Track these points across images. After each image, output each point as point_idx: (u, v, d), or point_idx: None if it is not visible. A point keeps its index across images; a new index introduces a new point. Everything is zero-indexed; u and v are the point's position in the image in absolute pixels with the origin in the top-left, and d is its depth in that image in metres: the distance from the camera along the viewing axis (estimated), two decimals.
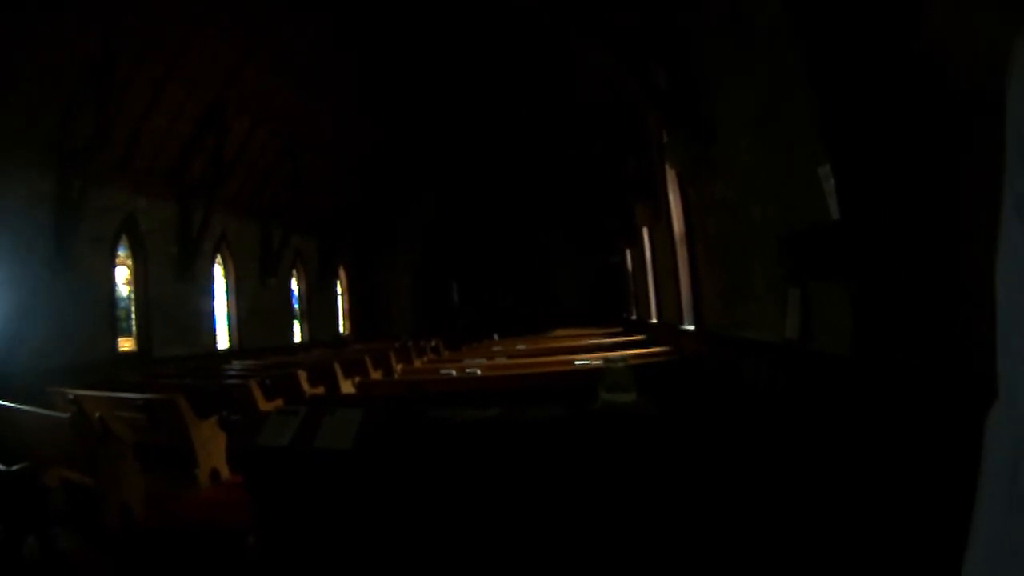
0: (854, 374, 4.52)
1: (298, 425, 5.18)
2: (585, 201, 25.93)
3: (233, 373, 14.73)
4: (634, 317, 21.65)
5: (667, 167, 12.61)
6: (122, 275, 16.12)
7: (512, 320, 25.23)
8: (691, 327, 11.74)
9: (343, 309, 28.24)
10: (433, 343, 20.97)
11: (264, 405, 10.90)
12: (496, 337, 19.22)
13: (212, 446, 9.62)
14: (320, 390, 12.99)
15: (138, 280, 16.45)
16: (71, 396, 10.68)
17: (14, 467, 6.86)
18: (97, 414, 8.58)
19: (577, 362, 10.62)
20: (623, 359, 5.18)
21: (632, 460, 4.37)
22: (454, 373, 10.32)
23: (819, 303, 5.31)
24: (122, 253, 16.08)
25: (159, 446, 9.49)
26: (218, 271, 19.89)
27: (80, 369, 13.39)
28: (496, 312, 27.65)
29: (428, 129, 25.37)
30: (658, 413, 4.72)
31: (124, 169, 15.44)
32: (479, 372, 10.26)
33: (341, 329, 27.86)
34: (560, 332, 19.76)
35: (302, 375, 12.44)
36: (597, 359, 10.32)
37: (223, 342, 19.82)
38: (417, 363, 17.26)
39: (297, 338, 24.18)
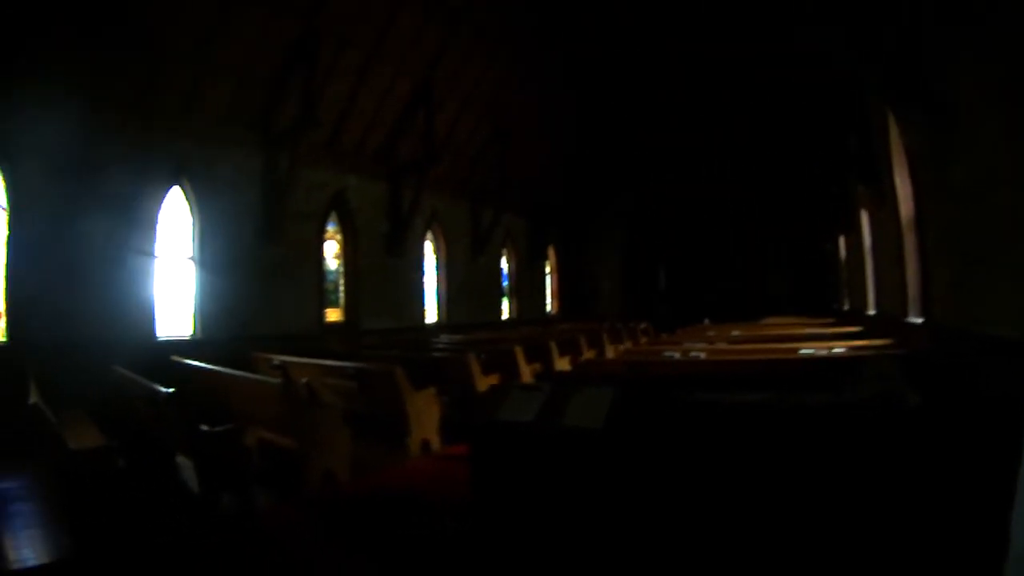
0: None
1: (543, 401, 4.90)
2: (796, 186, 24.21)
3: (441, 347, 14.55)
4: (846, 307, 20.28)
5: (893, 147, 11.61)
6: (331, 249, 16.34)
7: (718, 307, 23.93)
8: (917, 320, 10.70)
9: (551, 288, 27.79)
10: (643, 326, 20.24)
11: (481, 380, 10.81)
12: (707, 322, 18.34)
13: (425, 417, 9.53)
14: (537, 367, 12.65)
15: (347, 254, 16.62)
16: (277, 362, 10.75)
17: (219, 428, 7.01)
18: (304, 380, 8.50)
19: (801, 351, 9.80)
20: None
21: (900, 454, 3.79)
22: (677, 356, 9.72)
23: None
24: (331, 228, 16.26)
25: (368, 415, 9.38)
26: (428, 248, 19.83)
27: (286, 338, 13.54)
28: (702, 298, 26.29)
29: (635, 113, 24.49)
30: (921, 405, 4.07)
31: (332, 148, 15.53)
32: (703, 356, 9.61)
33: (548, 308, 27.46)
34: (770, 320, 18.59)
35: (519, 351, 12.17)
36: (821, 348, 9.62)
37: (431, 317, 19.78)
38: (629, 344, 16.80)
39: (504, 315, 23.95)
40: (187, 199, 12.72)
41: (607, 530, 4.25)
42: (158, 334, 12.06)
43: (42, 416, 6.02)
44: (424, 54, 16.52)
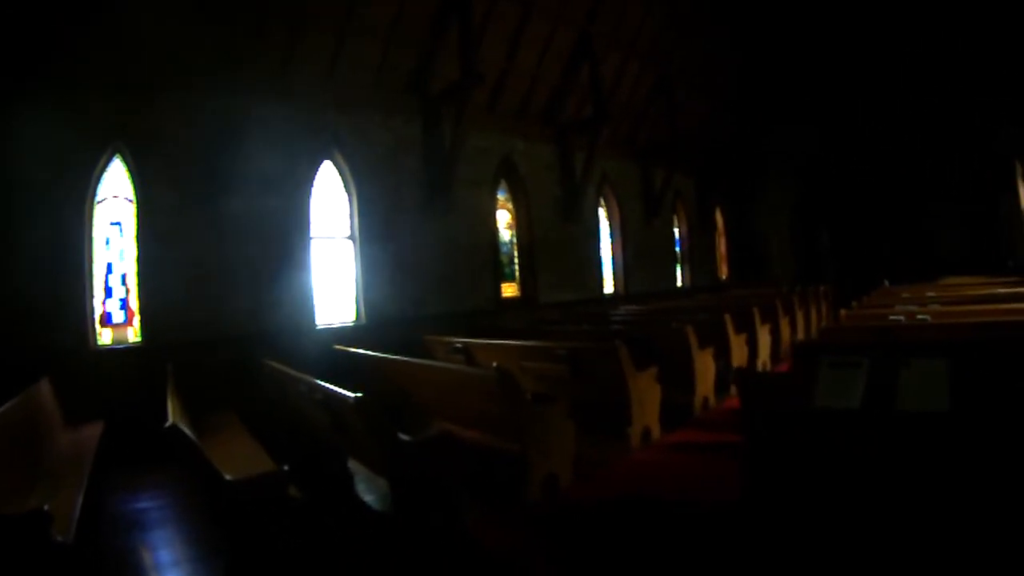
0: None
1: (866, 381, 4.03)
2: (965, 139, 21.89)
3: (620, 319, 12.69)
4: None
5: None
6: (503, 219, 14.60)
7: (888, 268, 21.48)
8: None
9: (721, 252, 25.20)
10: (823, 289, 18.22)
11: (699, 356, 9.28)
12: (887, 283, 16.08)
13: (648, 401, 8.02)
14: (743, 338, 11.06)
15: (520, 224, 14.78)
16: (458, 344, 9.32)
17: (423, 435, 5.69)
18: (493, 364, 6.99)
19: None
20: None
21: None
22: (903, 319, 8.08)
23: None
24: (501, 196, 14.49)
25: (581, 403, 7.58)
26: (601, 213, 17.83)
27: (459, 317, 12.03)
28: (871, 259, 23.52)
29: (802, 61, 21.90)
30: None
31: (494, 110, 13.74)
32: (929, 319, 7.89)
33: (721, 273, 25.01)
34: (950, 280, 16.12)
35: (728, 320, 10.52)
36: None
37: (608, 287, 17.86)
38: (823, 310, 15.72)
39: (678, 283, 21.65)
40: (341, 173, 11.18)
41: (967, 531, 3.30)
42: (317, 322, 10.58)
43: (182, 439, 4.50)
44: (581, 5, 14.44)
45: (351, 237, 11.22)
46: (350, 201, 11.27)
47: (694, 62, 19.29)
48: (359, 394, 5.31)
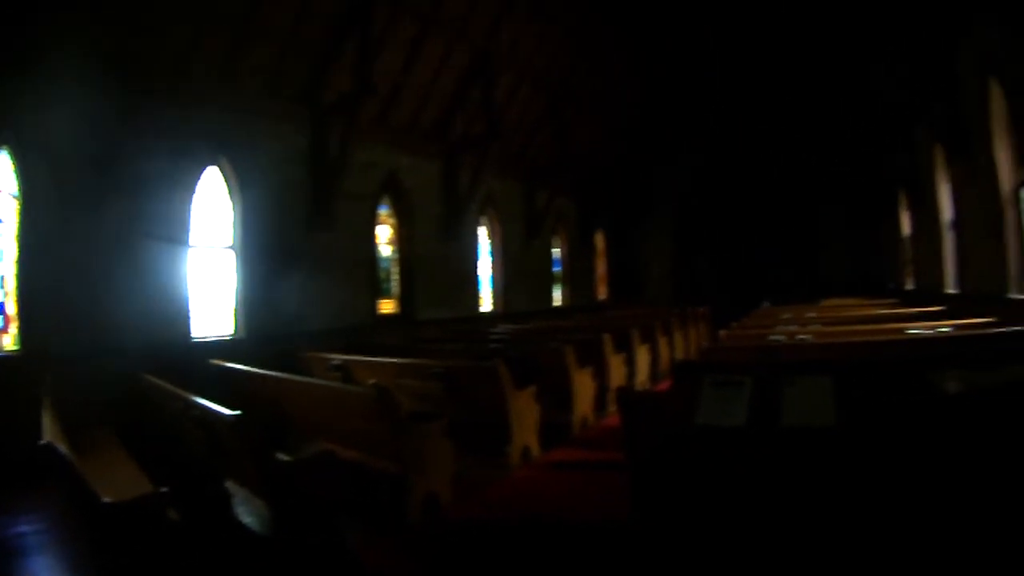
0: None
1: (750, 398, 4.11)
2: (849, 164, 23.01)
3: (498, 337, 12.70)
4: (910, 287, 18.69)
5: (994, 119, 10.55)
6: (384, 235, 14.39)
7: (769, 290, 22.33)
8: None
9: (600, 274, 25.70)
10: (702, 311, 18.80)
11: (578, 373, 9.43)
12: (767, 305, 16.68)
13: (527, 420, 8.03)
14: (621, 358, 11.31)
15: (401, 239, 14.62)
16: (337, 361, 9.15)
17: (303, 455, 5.60)
18: (371, 381, 6.89)
19: (909, 331, 8.39)
20: None
21: None
22: (784, 339, 8.42)
23: None
24: (384, 212, 14.30)
25: (460, 421, 7.38)
26: (482, 232, 17.89)
27: (336, 333, 11.72)
28: (752, 281, 24.42)
29: (692, 90, 22.82)
30: None
31: (384, 124, 13.51)
32: (811, 339, 8.33)
33: (599, 294, 25.51)
34: (830, 302, 16.89)
35: (607, 339, 10.73)
36: (927, 328, 8.42)
37: (486, 305, 17.90)
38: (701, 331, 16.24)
39: (556, 302, 21.91)
40: (226, 180, 10.75)
41: (853, 544, 3.46)
42: (194, 335, 10.14)
43: (58, 458, 4.27)
44: (482, 23, 14.49)
45: (232, 247, 10.82)
46: (234, 210, 10.87)
47: (587, 87, 19.72)
48: (237, 412, 5.15)
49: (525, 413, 7.97)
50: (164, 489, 4.34)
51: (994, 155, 10.72)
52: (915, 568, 3.40)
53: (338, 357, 9.39)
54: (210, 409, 5.61)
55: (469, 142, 15.85)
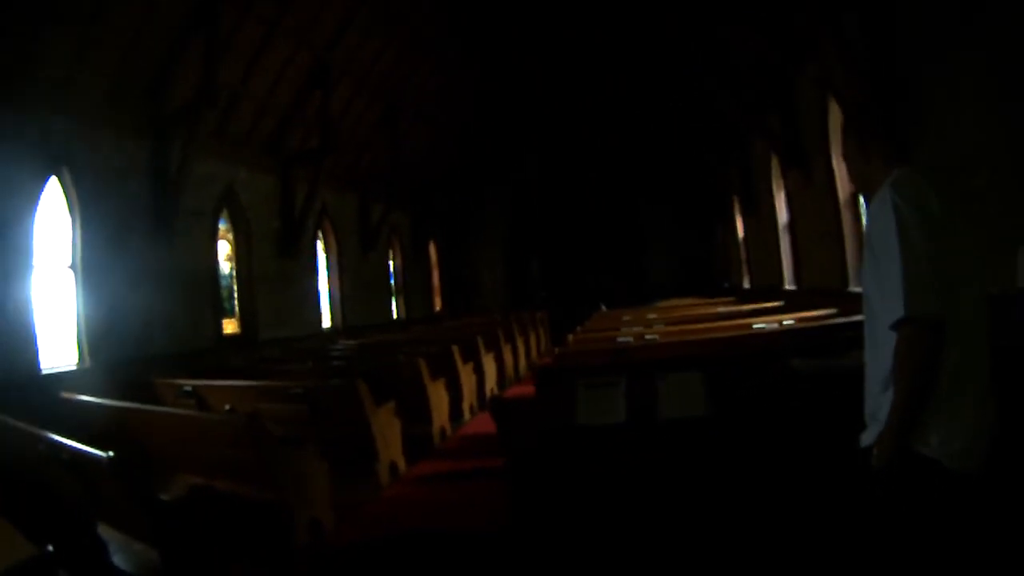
0: None
1: (624, 396, 4.38)
2: (681, 170, 24.08)
3: (340, 354, 12.54)
4: (747, 285, 19.81)
5: (832, 129, 11.59)
6: (223, 251, 13.74)
7: (603, 294, 22.95)
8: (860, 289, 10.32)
9: (434, 284, 25.83)
10: (540, 315, 19.53)
11: (432, 384, 9.56)
12: (604, 308, 17.16)
13: (391, 436, 8.04)
14: (470, 367, 11.62)
15: (240, 257, 14.02)
16: (188, 388, 8.63)
17: (179, 491, 5.38)
18: (226, 407, 6.98)
19: (755, 326, 8.93)
20: None
21: None
22: (632, 340, 8.60)
23: None
24: (223, 227, 13.66)
25: (322, 442, 7.04)
26: (319, 246, 17.46)
27: (185, 355, 11.13)
28: (584, 286, 25.34)
29: (523, 98, 23.24)
30: None
31: (223, 136, 12.97)
32: (659, 338, 8.56)
33: (435, 305, 25.60)
34: (667, 303, 17.60)
35: (456, 350, 11.04)
36: (771, 322, 9.01)
37: (326, 322, 17.48)
38: (572, 339, 15.76)
39: (394, 315, 21.79)
40: (66, 193, 9.86)
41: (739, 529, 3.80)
42: (42, 366, 9.18)
43: None
44: (324, 30, 14.24)
45: (72, 267, 9.95)
46: (73, 226, 9.99)
47: (421, 94, 19.70)
48: (110, 453, 4.73)
49: (388, 429, 7.97)
50: (49, 547, 3.92)
51: (833, 165, 11.71)
52: (791, 540, 3.66)
53: (189, 383, 8.86)
54: (80, 450, 5.14)
55: (305, 154, 15.49)
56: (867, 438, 2.69)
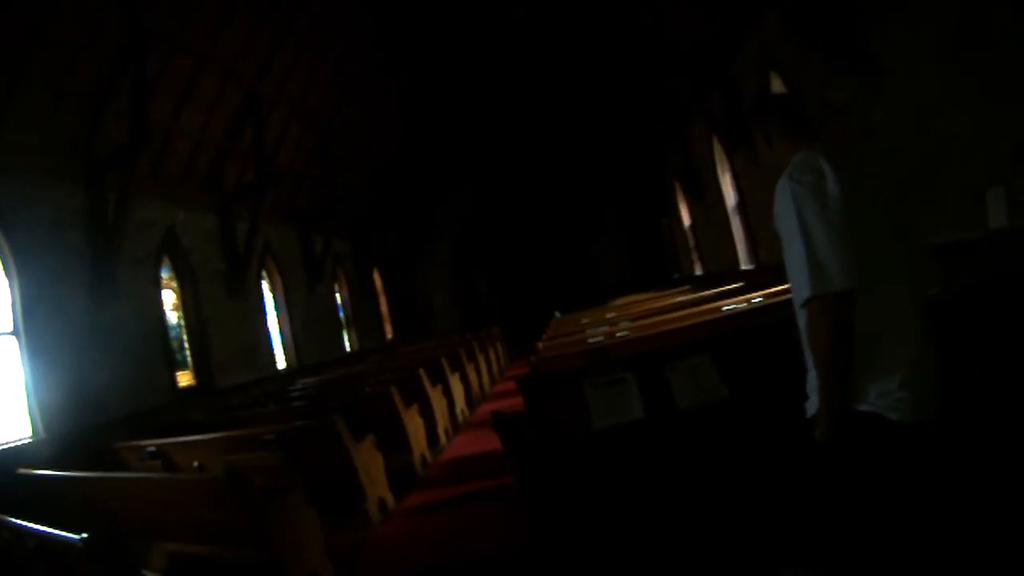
0: None
1: (638, 391, 4.30)
2: (622, 168, 24.08)
3: (301, 393, 12.09)
4: (699, 272, 20.10)
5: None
6: (169, 299, 12.89)
7: (554, 301, 22.62)
8: None
9: (383, 312, 25.11)
10: (494, 331, 19.48)
11: (407, 412, 9.21)
12: (558, 315, 16.82)
13: (374, 471, 7.62)
14: (439, 389, 11.32)
15: (187, 303, 13.17)
16: (151, 448, 7.99)
17: (163, 565, 5.25)
18: (195, 464, 6.85)
19: (724, 308, 8.77)
20: None
21: None
22: (603, 340, 8.33)
23: None
24: (165, 274, 12.83)
25: (304, 487, 6.50)
26: (265, 285, 16.61)
27: (143, 415, 10.35)
28: (535, 296, 24.95)
29: (462, 118, 22.88)
30: None
31: (158, 177, 12.20)
32: (629, 334, 8.35)
33: (386, 333, 24.87)
34: (624, 300, 17.33)
35: (423, 374, 10.63)
36: (740, 303, 8.83)
37: (281, 362, 16.64)
38: (542, 347, 15.82)
39: (347, 348, 21.03)
40: (0, 253, 9.03)
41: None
42: None
43: None
44: (253, 61, 13.57)
45: (15, 332, 9.05)
46: (11, 287, 9.10)
47: (356, 121, 19.14)
48: (84, 535, 4.11)
49: (371, 465, 7.60)
50: None
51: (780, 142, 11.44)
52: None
53: (152, 443, 8.17)
54: (49, 535, 4.49)
55: (242, 190, 14.76)
56: (810, 408, 2.81)
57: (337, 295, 21.20)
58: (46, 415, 9.04)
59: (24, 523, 4.82)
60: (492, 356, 18.06)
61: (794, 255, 2.66)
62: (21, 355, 9.02)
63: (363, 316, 22.50)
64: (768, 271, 12.54)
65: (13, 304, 9.06)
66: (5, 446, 8.50)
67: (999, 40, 5.88)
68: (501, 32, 19.04)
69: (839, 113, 9.37)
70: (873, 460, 2.62)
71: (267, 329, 16.09)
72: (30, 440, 8.87)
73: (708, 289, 12.90)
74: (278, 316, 17.03)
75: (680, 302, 11.83)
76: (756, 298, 8.87)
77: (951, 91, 6.85)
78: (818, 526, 2.82)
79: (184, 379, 12.73)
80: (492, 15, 18.23)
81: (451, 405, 11.88)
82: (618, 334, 8.68)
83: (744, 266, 15.34)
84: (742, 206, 15.25)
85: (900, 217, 2.82)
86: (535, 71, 20.92)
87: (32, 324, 9.13)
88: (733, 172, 15.37)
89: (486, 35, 19.06)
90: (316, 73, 16.13)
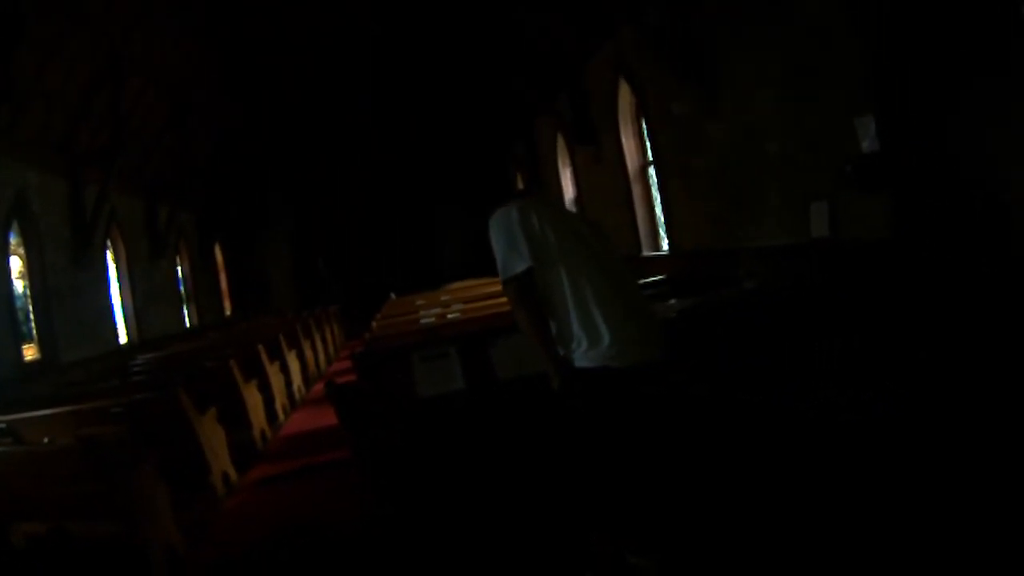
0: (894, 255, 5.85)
1: (459, 364, 4.71)
2: (464, 156, 24.45)
3: (141, 369, 11.79)
4: None
5: (622, 111, 13.04)
6: (15, 267, 11.95)
7: (392, 283, 22.63)
8: (661, 252, 12.84)
9: (223, 288, 24.28)
10: (331, 311, 20.04)
11: (246, 387, 9.28)
12: (393, 296, 16.83)
13: (217, 445, 7.68)
14: (277, 366, 11.52)
15: (33, 272, 12.24)
16: (1, 424, 7.47)
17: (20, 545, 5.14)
18: (46, 439, 6.55)
19: None
20: None
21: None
22: (435, 320, 9.04)
23: (850, 210, 6.70)
24: (13, 240, 11.88)
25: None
26: (108, 255, 15.64)
27: None
28: (369, 279, 24.73)
29: (308, 95, 22.30)
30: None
31: (13, 137, 11.29)
32: (460, 315, 9.19)
33: (225, 309, 24.04)
34: (458, 284, 17.48)
35: (262, 349, 10.77)
36: None
37: (123, 337, 15.76)
38: (375, 326, 15.86)
39: (187, 323, 20.10)
40: None
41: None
42: None
43: None
44: (119, 20, 12.71)
45: None
46: None
47: (207, 97, 18.44)
48: None
49: (214, 438, 7.66)
50: None
51: (622, 142, 13.04)
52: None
53: (1, 419, 7.67)
54: None
55: (93, 155, 13.82)
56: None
57: (179, 268, 20.24)
58: None
59: None
60: (328, 335, 18.19)
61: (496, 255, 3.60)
62: None
63: (203, 290, 21.61)
64: None
65: None
66: None
67: (825, 70, 6.74)
68: (356, 25, 19.03)
69: (678, 123, 10.46)
70: (602, 402, 3.37)
71: (110, 301, 15.22)
72: None
73: None
74: (119, 288, 16.10)
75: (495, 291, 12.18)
76: None
77: (780, 113, 7.73)
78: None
79: (30, 353, 11.89)
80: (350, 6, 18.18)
81: (288, 382, 11.99)
82: (449, 316, 9.26)
83: None
84: (579, 199, 16.53)
85: (579, 228, 3.71)
86: (386, 62, 20.83)
87: None
88: (574, 167, 16.46)
89: (343, 23, 18.98)
90: (176, 43, 15.42)
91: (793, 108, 7.47)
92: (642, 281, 8.69)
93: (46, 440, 6.53)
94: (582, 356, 3.37)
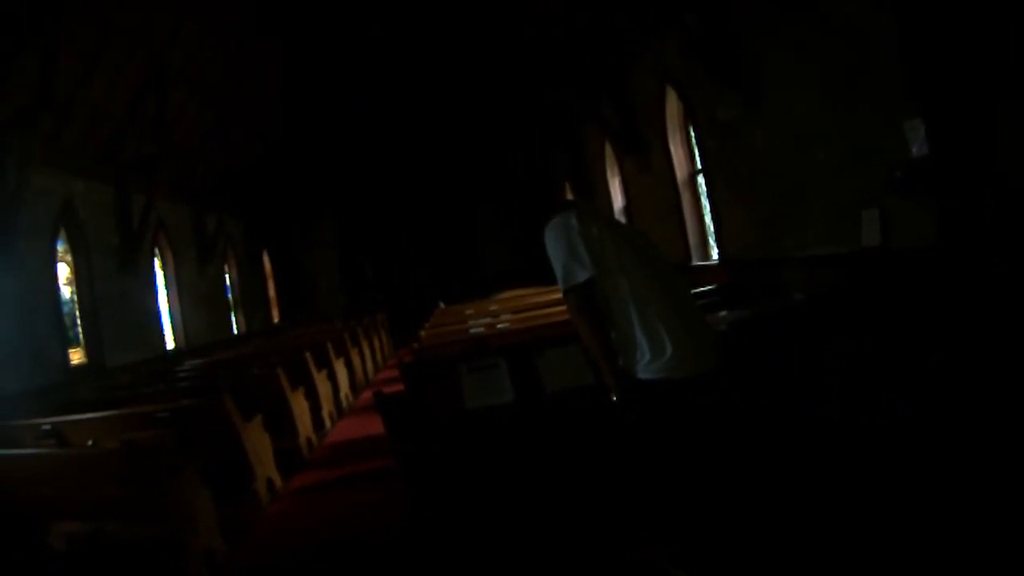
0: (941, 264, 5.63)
1: (509, 376, 4.62)
2: (512, 160, 24.25)
3: (190, 374, 11.56)
4: None
5: (670, 118, 12.59)
6: (63, 273, 12.15)
7: (439, 291, 22.57)
8: (712, 261, 12.29)
9: (271, 296, 24.44)
10: (380, 318, 19.69)
11: (293, 395, 9.12)
12: (442, 305, 16.75)
13: (263, 452, 7.61)
14: (324, 374, 11.31)
15: (81, 278, 12.45)
16: (45, 426, 7.50)
17: (62, 545, 5.08)
18: (90, 442, 6.53)
19: None
20: None
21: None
22: (484, 330, 8.71)
23: (900, 217, 6.44)
24: (61, 247, 12.08)
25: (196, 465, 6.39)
26: (156, 263, 15.80)
27: (34, 393, 9.79)
28: (419, 286, 24.62)
29: (356, 102, 22.47)
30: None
31: (58, 146, 11.42)
32: (509, 325, 8.81)
33: (273, 317, 24.20)
34: (508, 294, 17.34)
35: (310, 357, 10.59)
36: None
37: (170, 342, 15.88)
38: (424, 335, 15.92)
39: (235, 330, 20.34)
40: None
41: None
42: None
43: None
44: (160, 31, 12.88)
45: None
46: None
47: (252, 104, 18.48)
48: None
49: (259, 445, 7.60)
50: None
51: (671, 150, 12.56)
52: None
53: (46, 421, 7.70)
54: None
55: (140, 163, 13.99)
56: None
57: (227, 276, 20.45)
58: None
59: None
60: (376, 344, 17.97)
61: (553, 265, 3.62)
62: None
63: (251, 298, 21.80)
64: None
65: None
66: None
67: (874, 74, 6.43)
68: (398, 29, 18.97)
69: (724, 130, 10.14)
70: (662, 412, 3.32)
71: (157, 308, 15.39)
72: None
73: None
74: (168, 295, 16.28)
75: (559, 298, 11.91)
76: None
77: (823, 119, 7.48)
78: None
79: (76, 356, 12.06)
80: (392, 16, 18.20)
81: (335, 390, 11.86)
82: (499, 326, 8.94)
83: None
84: (628, 208, 16.05)
85: (633, 239, 3.69)
86: (429, 69, 20.91)
87: None
88: (623, 176, 16.06)
89: (384, 32, 19.04)
90: (219, 51, 15.49)
91: (837, 113, 7.29)
92: (693, 291, 8.45)
93: (90, 443, 6.52)
94: (645, 368, 3.33)
